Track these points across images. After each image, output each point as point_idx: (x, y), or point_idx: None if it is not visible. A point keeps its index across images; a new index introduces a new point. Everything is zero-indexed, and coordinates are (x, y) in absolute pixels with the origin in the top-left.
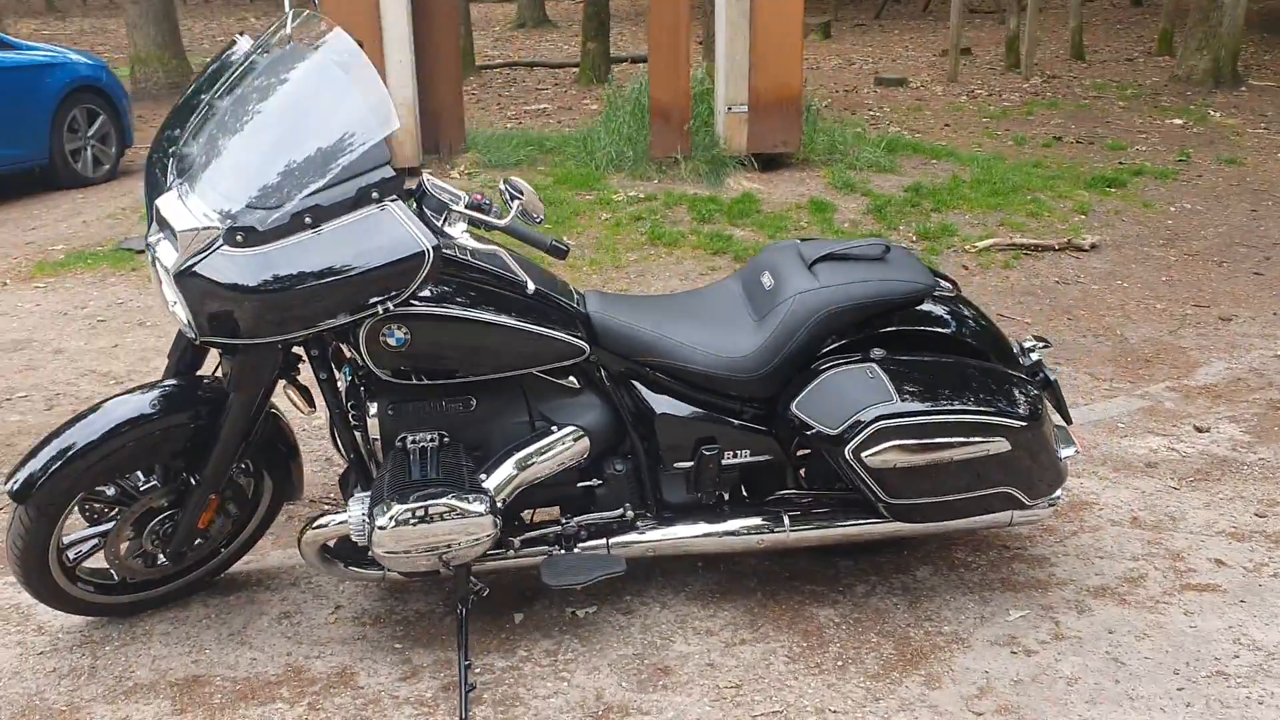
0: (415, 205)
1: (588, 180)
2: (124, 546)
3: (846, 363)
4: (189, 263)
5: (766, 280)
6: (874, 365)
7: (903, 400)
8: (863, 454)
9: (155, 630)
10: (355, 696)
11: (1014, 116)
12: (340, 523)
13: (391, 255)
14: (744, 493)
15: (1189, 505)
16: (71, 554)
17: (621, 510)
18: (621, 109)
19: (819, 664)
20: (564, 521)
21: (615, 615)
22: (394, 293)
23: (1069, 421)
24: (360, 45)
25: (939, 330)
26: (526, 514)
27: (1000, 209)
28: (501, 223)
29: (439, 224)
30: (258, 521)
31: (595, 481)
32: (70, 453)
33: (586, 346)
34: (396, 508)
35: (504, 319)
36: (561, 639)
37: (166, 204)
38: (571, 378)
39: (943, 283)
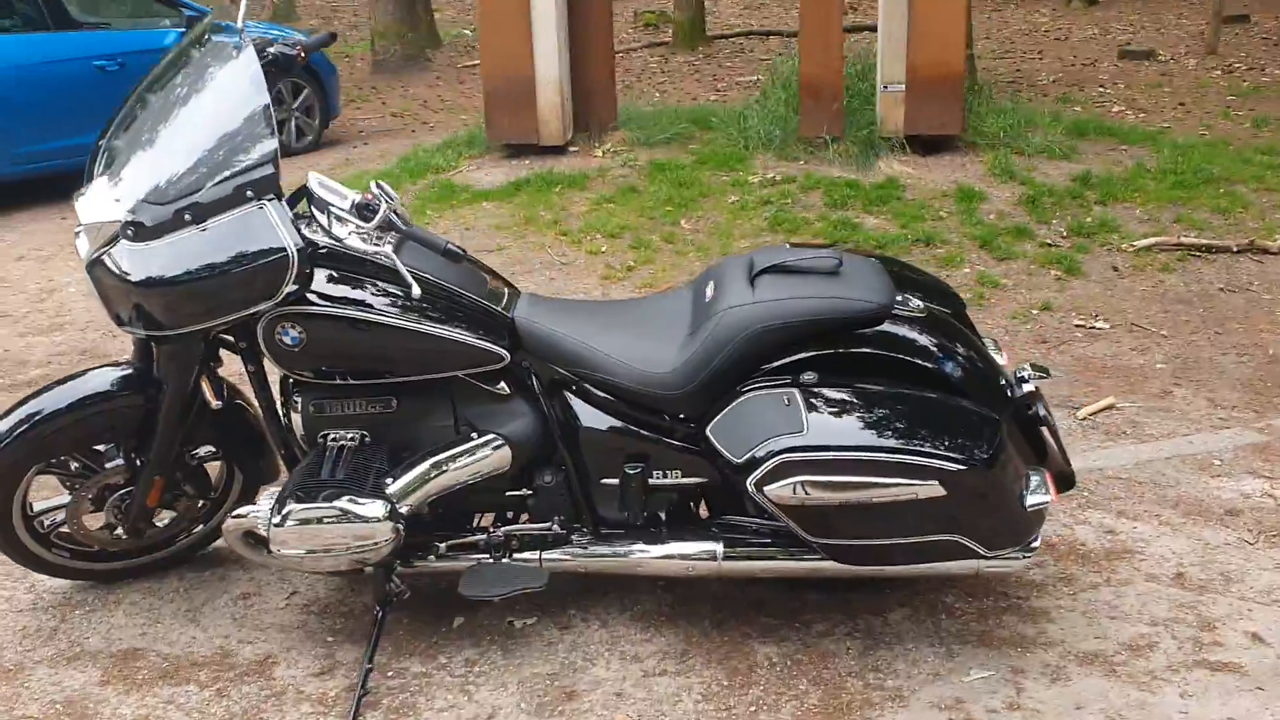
0: (307, 205)
1: (731, 160)
2: (86, 518)
3: (769, 386)
4: (94, 254)
5: (709, 291)
6: (794, 391)
7: (816, 433)
8: (765, 487)
9: (126, 600)
10: (264, 687)
11: (1267, 94)
12: (255, 515)
13: (259, 254)
14: (705, 513)
15: (1257, 565)
16: (48, 520)
17: (550, 523)
18: (778, 85)
19: (730, 707)
20: (491, 530)
21: (551, 629)
22: (269, 292)
23: (1067, 464)
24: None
25: (895, 355)
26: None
27: (1181, 203)
28: (368, 225)
29: (327, 224)
30: (230, 504)
31: (526, 492)
32: (31, 422)
33: (506, 354)
34: (291, 506)
35: (403, 322)
36: (487, 650)
37: (82, 198)
38: (503, 384)
39: (913, 303)
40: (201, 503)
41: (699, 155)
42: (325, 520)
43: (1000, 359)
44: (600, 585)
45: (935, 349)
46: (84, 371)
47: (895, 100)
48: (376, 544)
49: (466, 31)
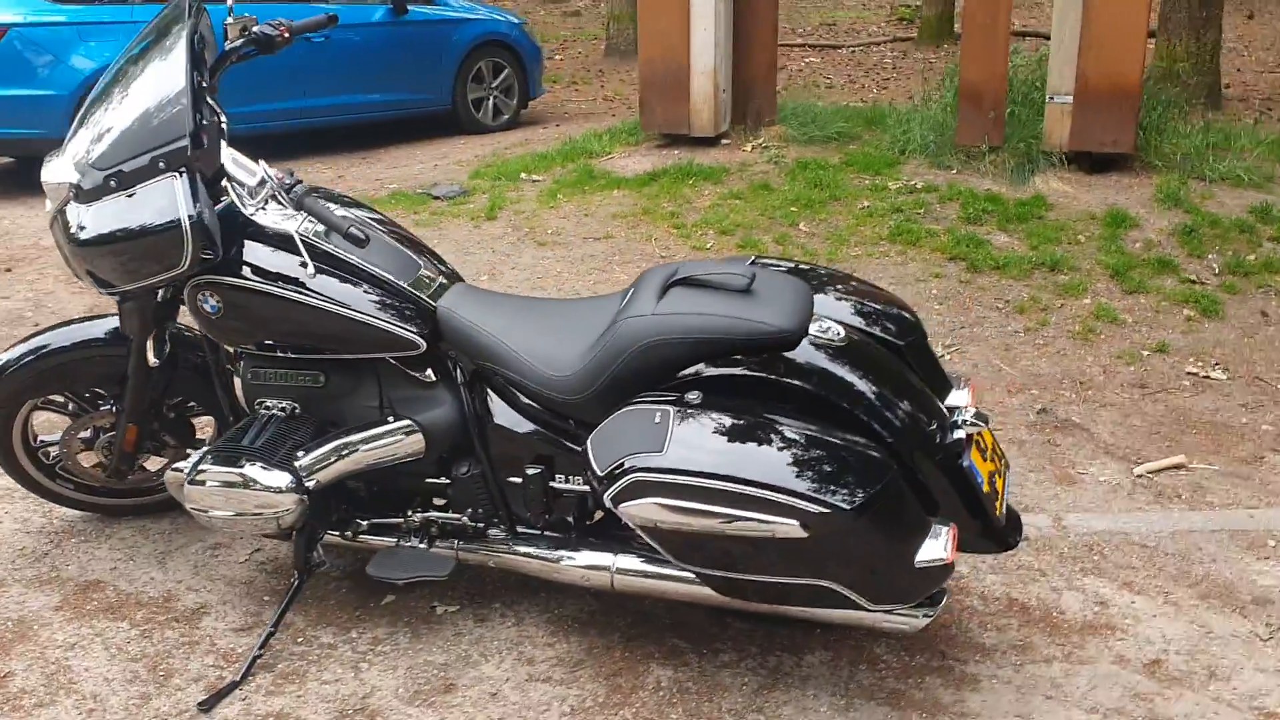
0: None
1: (880, 164)
2: (82, 456)
3: (652, 401)
4: (52, 212)
5: (628, 298)
6: (669, 409)
7: (673, 455)
8: (620, 505)
9: (116, 535)
10: (185, 634)
11: None
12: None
13: (160, 225)
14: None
15: (1254, 664)
16: (53, 452)
17: (463, 515)
18: (945, 89)
19: None
20: (407, 515)
21: (467, 620)
22: (174, 260)
23: (987, 523)
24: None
25: (795, 384)
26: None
27: None
28: (248, 209)
29: (240, 201)
30: None
31: (445, 481)
32: (34, 355)
33: (421, 341)
34: (204, 467)
35: (312, 300)
36: (398, 631)
37: (52, 159)
38: (429, 371)
39: (833, 329)
40: (188, 452)
41: (849, 157)
42: (231, 484)
43: (959, 396)
44: (536, 583)
45: (843, 381)
46: (93, 317)
47: (1062, 112)
48: (278, 513)
49: None
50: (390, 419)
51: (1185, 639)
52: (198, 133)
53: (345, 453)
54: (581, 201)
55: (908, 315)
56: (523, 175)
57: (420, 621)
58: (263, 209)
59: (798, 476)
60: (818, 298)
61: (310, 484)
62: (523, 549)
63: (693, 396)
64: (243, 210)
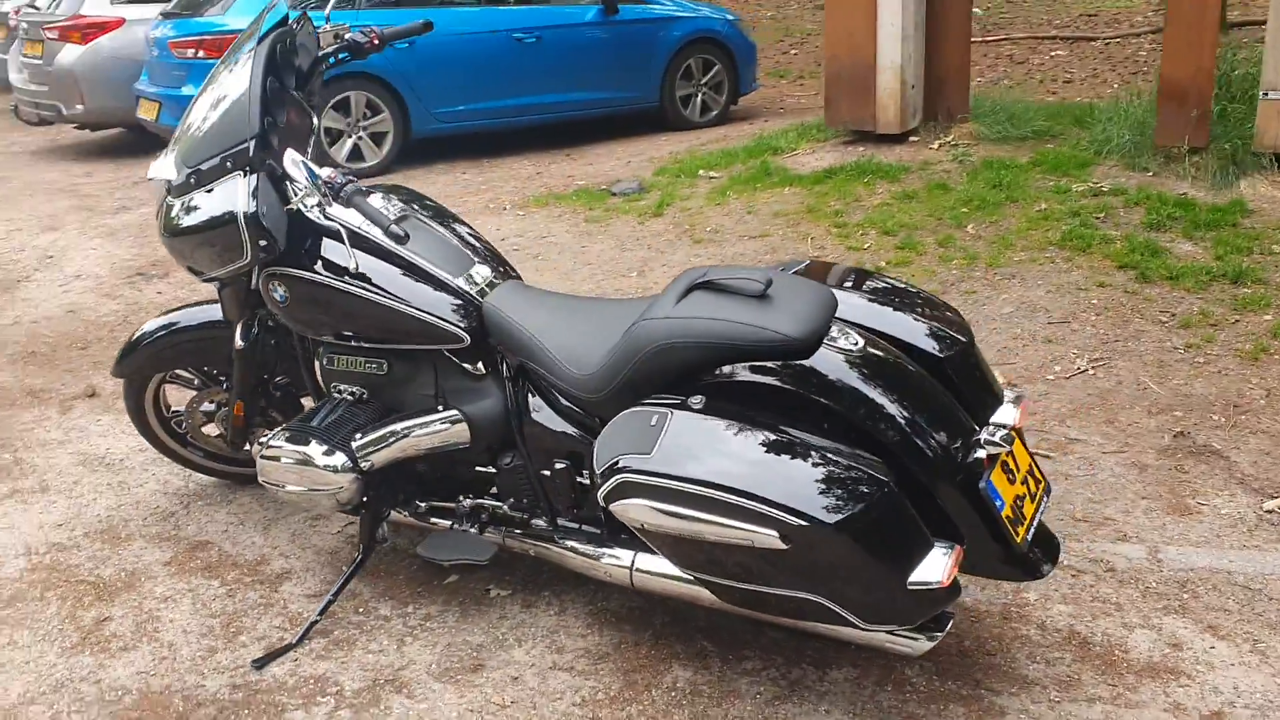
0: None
1: (1070, 165)
2: (203, 427)
3: (654, 404)
4: (158, 205)
5: (655, 299)
6: (668, 413)
7: (661, 457)
8: (610, 503)
9: (238, 500)
10: (264, 596)
11: None
12: None
13: (222, 217)
14: None
15: None
16: (184, 422)
17: (506, 504)
18: (1140, 86)
19: (597, 716)
20: (459, 501)
21: (515, 605)
22: (237, 252)
23: (1008, 549)
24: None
25: (801, 393)
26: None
27: None
28: (306, 207)
29: (297, 199)
30: None
31: (492, 470)
32: (165, 331)
33: (465, 335)
34: (274, 443)
35: (364, 291)
36: (449, 609)
37: (158, 159)
38: (480, 364)
39: (852, 339)
40: None
41: (1040, 156)
42: (295, 461)
43: (1006, 414)
44: (578, 576)
45: (855, 392)
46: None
47: (1277, 110)
48: (334, 490)
49: (977, 10)
50: (440, 408)
51: (1261, 693)
52: (264, 134)
53: (397, 438)
54: (749, 199)
55: (953, 327)
56: (701, 172)
57: (472, 602)
58: (322, 207)
59: (782, 487)
60: (858, 305)
61: (365, 465)
62: (559, 541)
63: (695, 401)
64: (301, 207)
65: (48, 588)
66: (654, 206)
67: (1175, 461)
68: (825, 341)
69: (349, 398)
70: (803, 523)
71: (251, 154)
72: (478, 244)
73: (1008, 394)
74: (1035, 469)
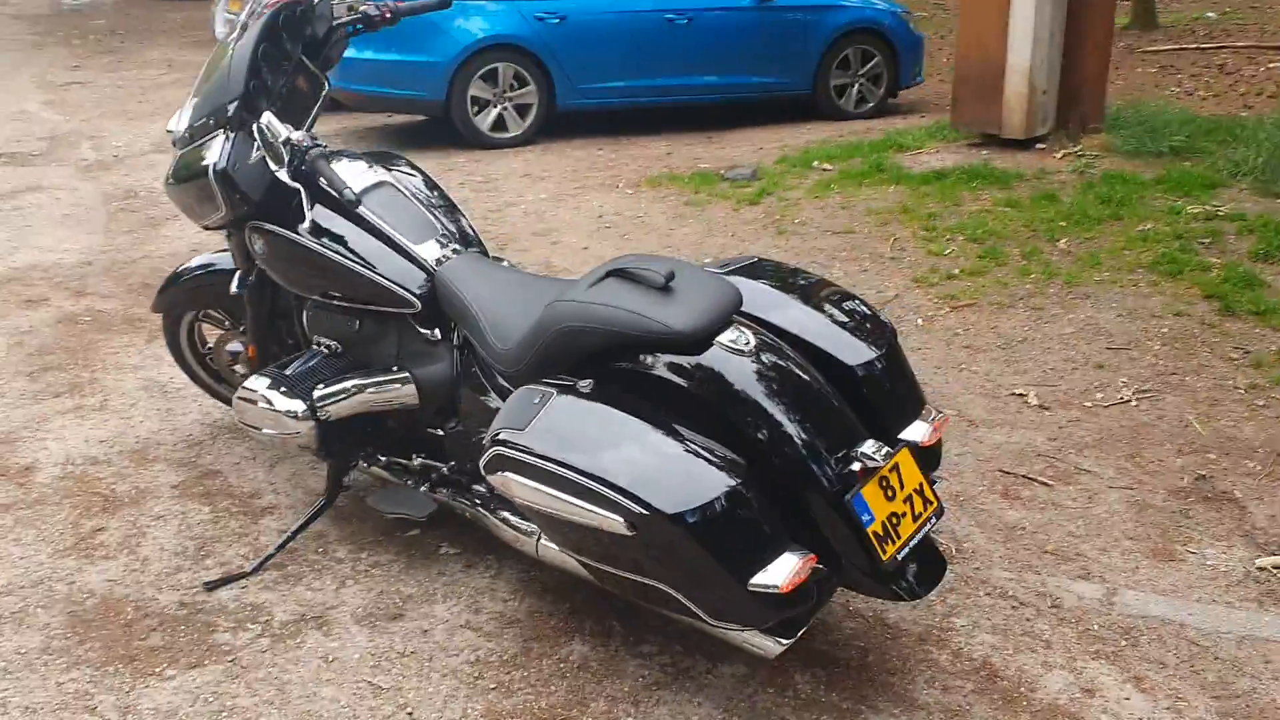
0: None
1: (1195, 184)
2: (231, 366)
3: (544, 383)
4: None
5: (577, 281)
6: (551, 392)
7: (532, 434)
8: (488, 474)
9: None
10: (242, 526)
11: None
12: None
13: (199, 171)
14: None
15: None
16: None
17: (446, 465)
18: None
19: (479, 676)
20: (410, 458)
21: (457, 564)
22: (214, 205)
23: (873, 562)
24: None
25: (683, 386)
26: None
27: None
28: (274, 167)
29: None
30: None
31: (440, 433)
32: (196, 273)
33: (417, 302)
34: (248, 387)
35: (329, 251)
36: (396, 560)
37: (175, 115)
38: (436, 330)
39: (746, 338)
40: None
41: (1166, 173)
42: (259, 403)
43: (916, 430)
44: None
45: (734, 393)
46: None
47: None
48: (292, 434)
49: (1210, 14)
50: (395, 369)
51: None
52: (248, 96)
53: (352, 393)
54: (849, 195)
55: (871, 336)
56: (816, 164)
57: (420, 556)
58: (294, 166)
59: (631, 475)
60: (776, 306)
61: (322, 415)
62: (492, 510)
63: (584, 385)
64: (271, 167)
65: (67, 495)
66: (754, 195)
67: (1183, 505)
68: (717, 340)
69: (324, 350)
70: (644, 511)
71: (231, 114)
72: (450, 216)
73: (925, 412)
74: (927, 489)
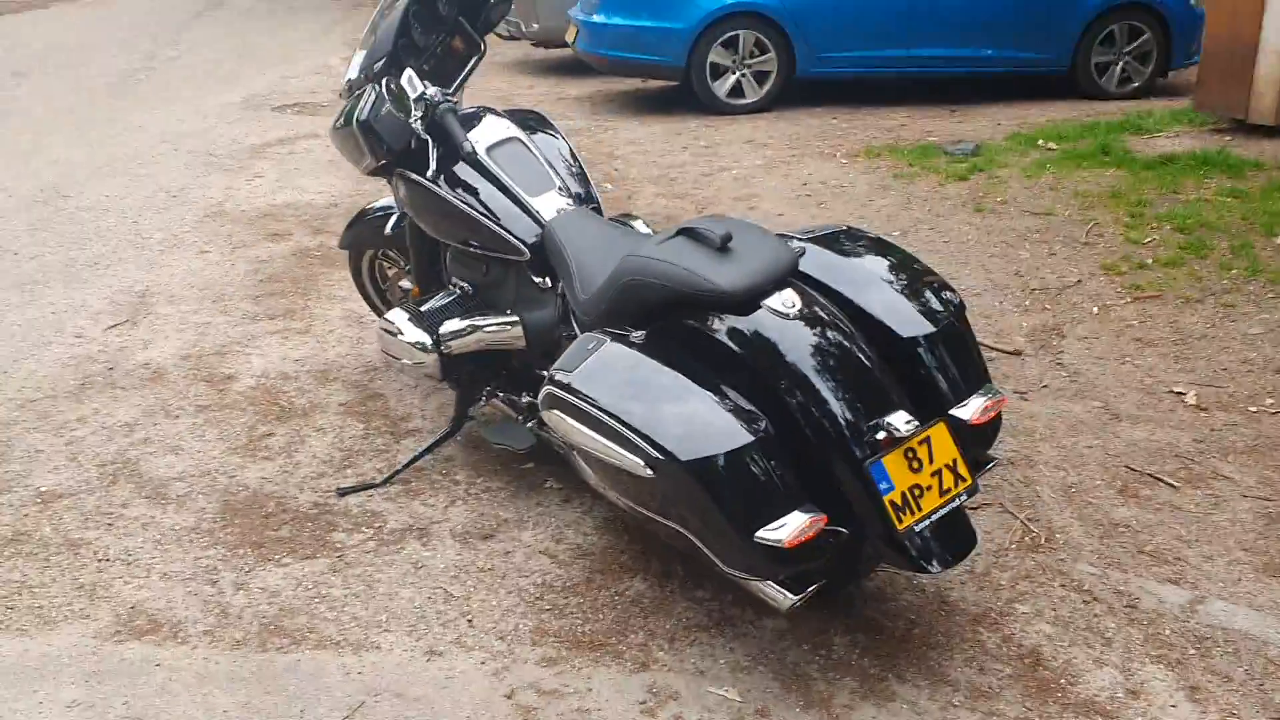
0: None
1: None
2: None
3: (604, 332)
4: None
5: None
6: (604, 339)
7: (580, 376)
8: (542, 410)
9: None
10: (387, 444)
11: None
12: None
13: (345, 123)
14: None
15: None
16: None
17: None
18: None
19: (524, 588)
20: (521, 395)
21: (555, 498)
22: (364, 151)
23: (889, 529)
24: None
25: (726, 344)
26: None
27: None
28: (412, 120)
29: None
30: None
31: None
32: (377, 214)
33: (524, 249)
34: (388, 318)
35: (455, 200)
36: (506, 487)
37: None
38: (547, 278)
39: (791, 301)
40: None
41: None
42: (395, 334)
43: (966, 410)
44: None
45: (771, 355)
46: None
47: None
48: (418, 363)
49: None
50: (509, 312)
51: None
52: (395, 54)
53: (470, 331)
54: (1063, 176)
55: (934, 311)
56: (1041, 142)
57: (526, 487)
58: (426, 120)
59: (655, 421)
60: (840, 272)
61: (445, 349)
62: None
63: (636, 335)
64: (407, 120)
65: (252, 403)
66: (965, 170)
67: None
68: (765, 303)
69: (458, 291)
70: (660, 456)
71: (377, 70)
72: (572, 174)
73: (983, 393)
74: (961, 466)
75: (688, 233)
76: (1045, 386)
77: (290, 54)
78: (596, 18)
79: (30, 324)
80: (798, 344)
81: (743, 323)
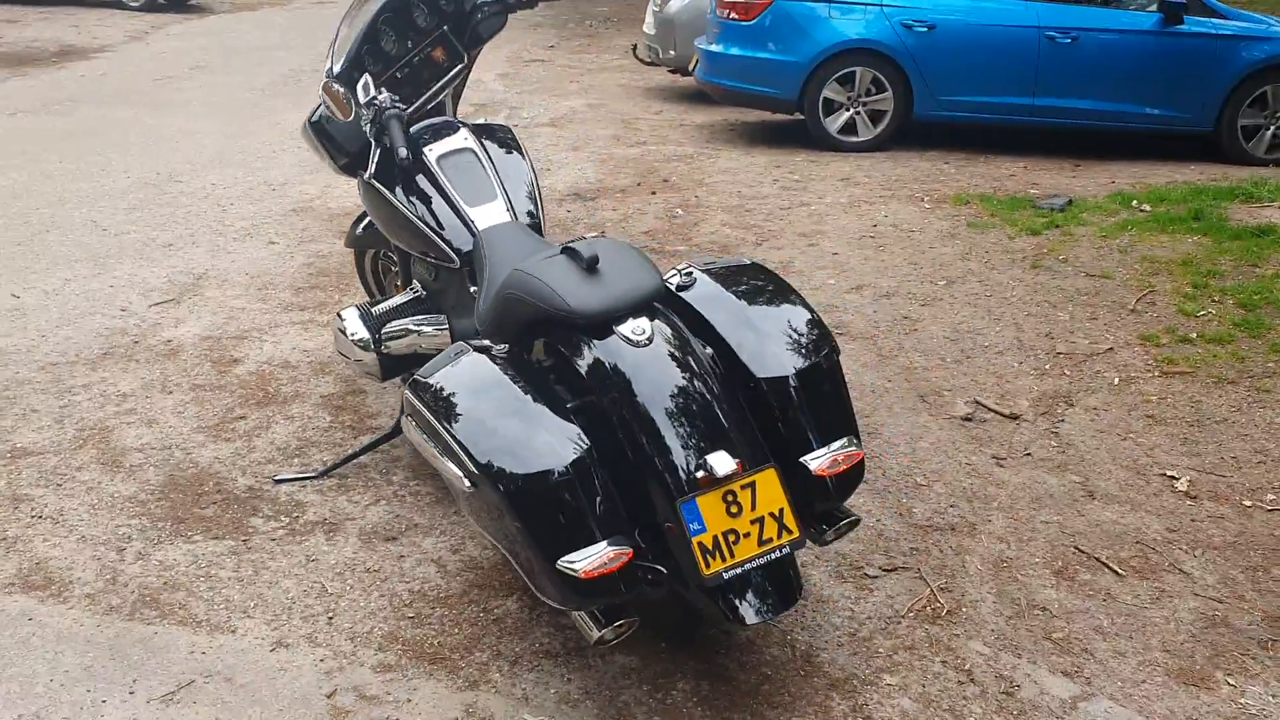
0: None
1: None
2: None
3: (473, 344)
4: None
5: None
6: (467, 349)
7: (430, 382)
8: (402, 416)
9: None
10: (343, 438)
11: None
12: None
13: (304, 124)
14: None
15: None
16: None
17: None
18: None
19: (407, 603)
20: None
21: None
22: (321, 153)
23: (696, 573)
24: None
25: (574, 363)
26: None
27: None
28: (363, 125)
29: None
30: None
31: None
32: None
33: (454, 256)
34: (339, 315)
35: (398, 204)
36: (438, 495)
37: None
38: (477, 287)
39: (644, 329)
40: None
41: None
42: (341, 329)
43: (813, 460)
44: None
45: (608, 379)
46: None
47: None
48: (357, 361)
49: None
50: (440, 318)
51: None
52: (359, 58)
53: (405, 333)
54: (1139, 239)
55: (800, 355)
56: (1135, 203)
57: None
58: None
59: (480, 436)
60: (716, 304)
61: (384, 349)
62: None
63: (499, 349)
64: (359, 124)
65: (243, 386)
66: (1041, 225)
67: (1273, 634)
68: (617, 329)
69: (412, 293)
70: (475, 470)
71: (337, 74)
72: (520, 189)
73: (839, 444)
74: (788, 517)
75: (568, 251)
76: (1028, 455)
77: None
78: (715, 47)
79: (88, 294)
80: (641, 373)
81: (595, 346)
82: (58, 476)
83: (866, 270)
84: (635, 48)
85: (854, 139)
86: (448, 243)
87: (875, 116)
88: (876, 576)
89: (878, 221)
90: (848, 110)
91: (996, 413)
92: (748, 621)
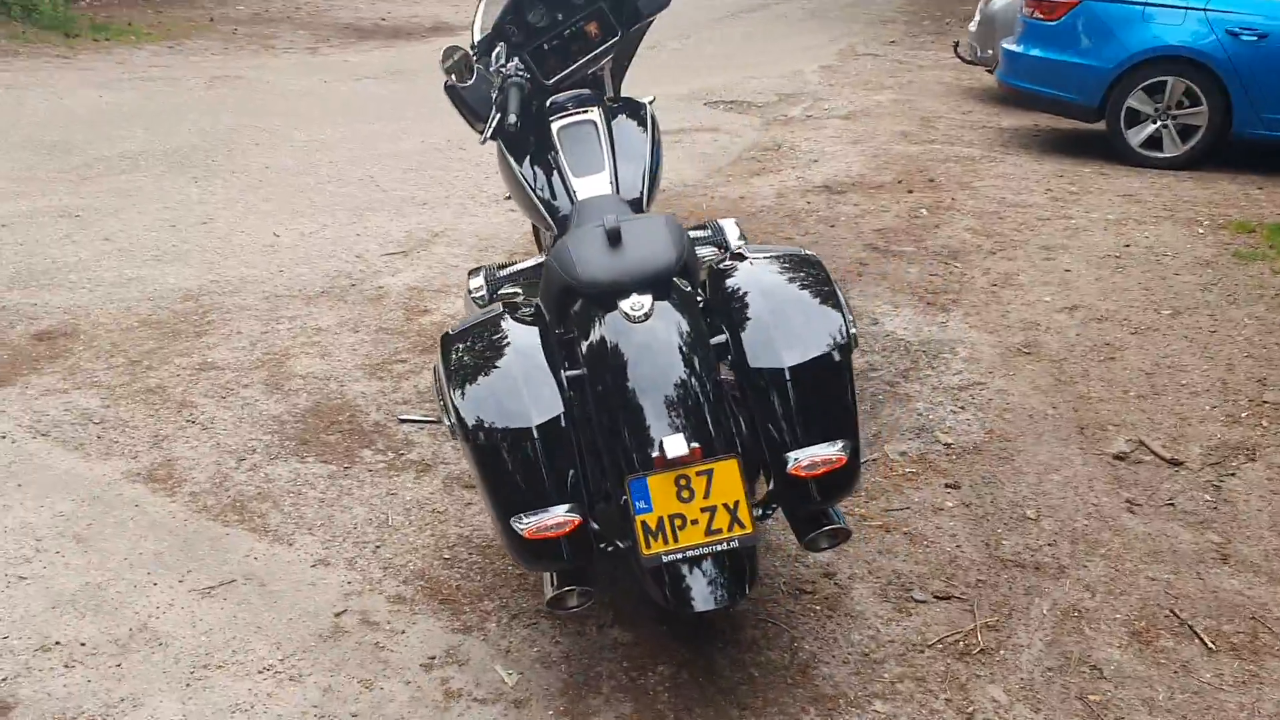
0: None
1: None
2: None
3: (512, 303)
4: None
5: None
6: (499, 308)
7: (451, 337)
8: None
9: None
10: None
11: None
12: None
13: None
14: None
15: None
16: None
17: None
18: None
19: (448, 555)
20: None
21: None
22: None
23: (636, 551)
24: None
25: (573, 333)
26: None
27: None
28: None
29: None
30: None
31: None
32: None
33: (552, 224)
34: (468, 273)
35: (517, 167)
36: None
37: None
38: None
39: (644, 306)
40: None
41: None
42: (468, 287)
43: (794, 459)
44: None
45: (598, 353)
46: None
47: None
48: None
49: None
50: None
51: None
52: (501, 29)
53: (513, 295)
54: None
55: (803, 351)
56: None
57: None
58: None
59: (470, 389)
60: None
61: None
62: None
63: (527, 310)
64: (489, 92)
65: (420, 334)
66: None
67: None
68: (620, 304)
69: (537, 259)
70: (454, 420)
71: (478, 42)
72: (632, 163)
73: (824, 446)
74: (743, 511)
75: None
76: (1170, 504)
77: (771, 58)
78: (1015, 47)
79: (335, 240)
80: (628, 348)
81: (598, 317)
82: (225, 390)
83: (1091, 291)
84: (956, 45)
85: (1158, 154)
86: (549, 209)
87: (1185, 131)
88: (923, 601)
89: (1133, 242)
90: (1153, 122)
91: (1158, 455)
92: (696, 609)
